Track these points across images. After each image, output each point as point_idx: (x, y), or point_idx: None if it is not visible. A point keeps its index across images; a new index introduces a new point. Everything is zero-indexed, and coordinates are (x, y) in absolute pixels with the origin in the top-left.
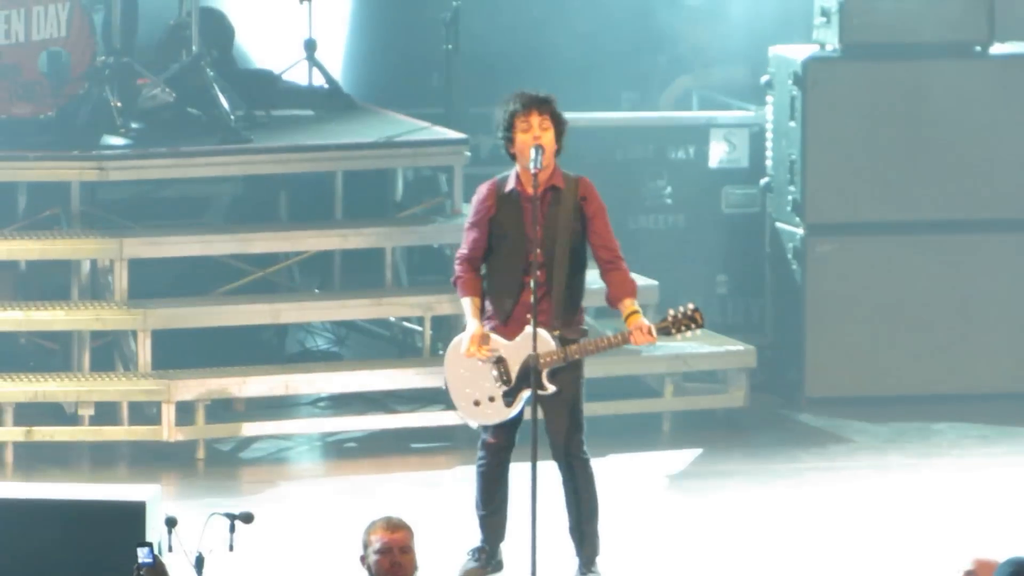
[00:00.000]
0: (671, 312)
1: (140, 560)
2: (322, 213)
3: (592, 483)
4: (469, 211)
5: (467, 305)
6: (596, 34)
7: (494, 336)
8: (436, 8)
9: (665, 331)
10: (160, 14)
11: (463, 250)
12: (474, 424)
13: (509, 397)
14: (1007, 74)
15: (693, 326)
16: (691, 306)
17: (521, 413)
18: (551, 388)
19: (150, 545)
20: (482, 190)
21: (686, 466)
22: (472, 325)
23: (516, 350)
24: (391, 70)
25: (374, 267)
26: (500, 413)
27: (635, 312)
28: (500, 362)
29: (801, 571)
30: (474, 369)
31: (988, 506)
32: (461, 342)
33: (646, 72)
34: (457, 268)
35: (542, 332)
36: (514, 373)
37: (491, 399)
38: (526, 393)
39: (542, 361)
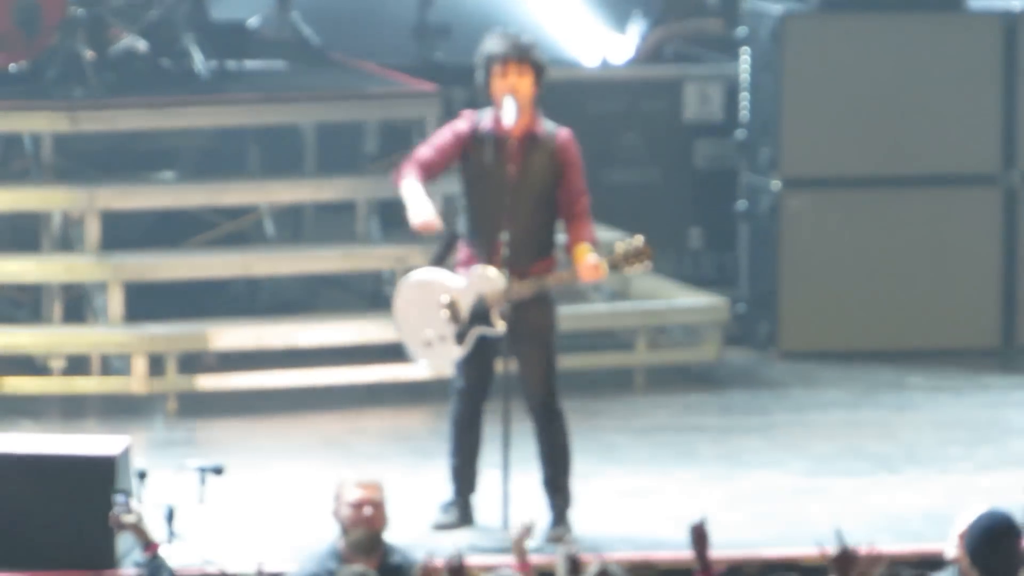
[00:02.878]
0: (620, 246)
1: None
2: (293, 166)
3: (566, 436)
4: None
5: (411, 188)
6: None
7: (445, 276)
8: None
9: (614, 265)
10: None
11: (414, 153)
12: (427, 367)
13: (460, 336)
14: (982, 29)
15: (643, 259)
16: (640, 239)
17: (493, 363)
18: (500, 325)
19: (126, 493)
20: (461, 122)
21: (658, 420)
22: (422, 205)
23: (466, 290)
24: (363, 21)
25: (345, 220)
26: (451, 352)
27: (588, 251)
28: (451, 303)
29: (773, 527)
30: (425, 309)
31: (961, 462)
32: (409, 279)
33: (620, 23)
34: (405, 160)
35: (491, 271)
36: (465, 312)
37: (442, 338)
38: (477, 331)
39: (490, 299)
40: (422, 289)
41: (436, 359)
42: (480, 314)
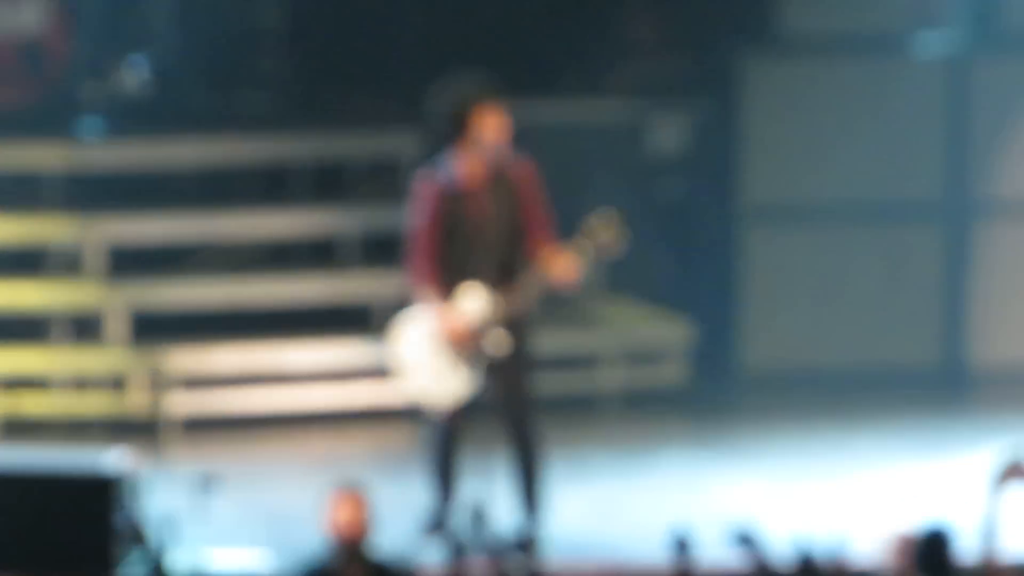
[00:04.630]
0: (591, 220)
1: None
2: (278, 195)
3: (541, 451)
4: (415, 212)
5: (433, 294)
6: (538, 17)
7: (439, 313)
8: None
9: (589, 236)
10: None
11: (418, 251)
12: (443, 402)
13: (473, 360)
14: (925, 74)
15: (615, 226)
16: (609, 210)
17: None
18: (505, 341)
19: (128, 507)
20: (424, 190)
21: (623, 441)
22: (450, 313)
23: (466, 318)
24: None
25: (326, 248)
26: (464, 379)
27: (557, 252)
28: (461, 332)
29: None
30: (428, 348)
31: (910, 473)
32: (403, 329)
33: (586, 58)
34: (415, 264)
35: (481, 293)
36: (472, 337)
37: (453, 368)
38: (486, 352)
39: (489, 319)
40: (420, 331)
41: (450, 390)
42: (484, 335)
